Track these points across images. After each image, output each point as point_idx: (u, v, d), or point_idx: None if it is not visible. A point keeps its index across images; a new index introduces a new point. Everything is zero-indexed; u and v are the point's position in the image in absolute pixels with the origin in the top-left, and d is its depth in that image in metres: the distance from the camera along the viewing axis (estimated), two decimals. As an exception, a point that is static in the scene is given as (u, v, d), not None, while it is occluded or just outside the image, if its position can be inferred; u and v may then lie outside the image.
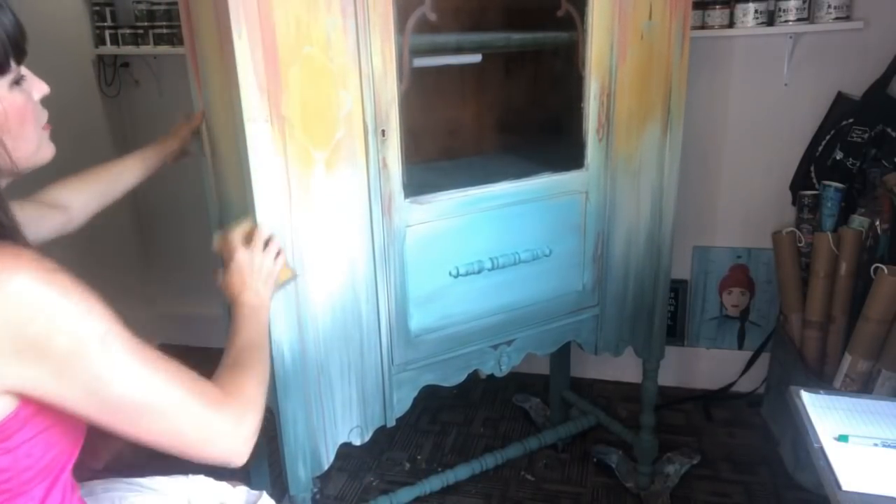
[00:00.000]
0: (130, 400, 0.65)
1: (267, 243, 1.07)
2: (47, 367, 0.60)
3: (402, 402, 1.37)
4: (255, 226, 1.09)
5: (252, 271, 1.03)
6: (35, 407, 0.64)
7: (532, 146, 1.73)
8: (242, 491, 1.07)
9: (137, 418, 0.66)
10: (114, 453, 0.79)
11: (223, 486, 1.07)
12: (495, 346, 1.47)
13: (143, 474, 1.02)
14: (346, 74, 1.14)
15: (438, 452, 2.16)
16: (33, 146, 0.74)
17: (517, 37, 1.54)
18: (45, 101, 0.78)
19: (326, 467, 1.29)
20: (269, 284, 1.05)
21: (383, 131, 1.20)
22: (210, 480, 1.06)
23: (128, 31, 2.28)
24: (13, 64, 0.70)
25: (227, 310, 1.04)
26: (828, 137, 2.00)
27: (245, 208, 1.12)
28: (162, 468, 1.04)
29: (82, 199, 1.16)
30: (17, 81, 0.72)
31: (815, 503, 1.72)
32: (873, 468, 0.98)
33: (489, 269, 1.39)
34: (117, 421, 0.66)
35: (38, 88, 0.75)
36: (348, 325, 1.26)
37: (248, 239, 1.06)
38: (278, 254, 1.08)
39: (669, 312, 2.35)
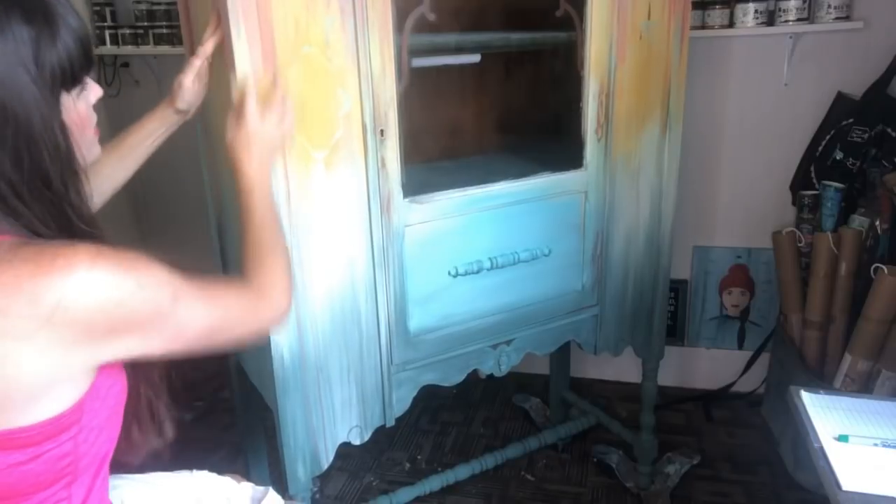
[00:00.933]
0: (202, 331, 0.77)
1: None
2: (135, 335, 0.69)
3: (402, 401, 1.37)
4: (275, 88, 1.05)
5: (260, 140, 0.99)
6: (95, 389, 0.69)
7: (531, 146, 1.73)
8: (248, 487, 1.06)
9: (208, 338, 0.78)
10: (152, 449, 0.83)
11: (228, 482, 1.06)
12: (495, 346, 1.47)
13: (145, 471, 1.01)
14: (345, 74, 1.14)
15: (438, 452, 2.16)
16: (86, 148, 0.77)
17: (516, 37, 1.54)
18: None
19: (326, 467, 1.29)
20: (273, 154, 1.04)
21: (382, 131, 1.20)
22: (214, 476, 1.06)
23: (128, 31, 2.28)
24: (83, 76, 0.72)
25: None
26: (828, 137, 2.00)
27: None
28: (165, 464, 1.04)
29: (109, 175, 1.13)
30: (82, 89, 0.73)
31: (815, 503, 1.71)
32: (873, 468, 0.98)
33: (488, 269, 1.39)
34: (191, 347, 0.76)
35: (95, 92, 0.76)
36: (347, 324, 1.25)
37: (264, 99, 1.01)
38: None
39: (669, 312, 2.35)
